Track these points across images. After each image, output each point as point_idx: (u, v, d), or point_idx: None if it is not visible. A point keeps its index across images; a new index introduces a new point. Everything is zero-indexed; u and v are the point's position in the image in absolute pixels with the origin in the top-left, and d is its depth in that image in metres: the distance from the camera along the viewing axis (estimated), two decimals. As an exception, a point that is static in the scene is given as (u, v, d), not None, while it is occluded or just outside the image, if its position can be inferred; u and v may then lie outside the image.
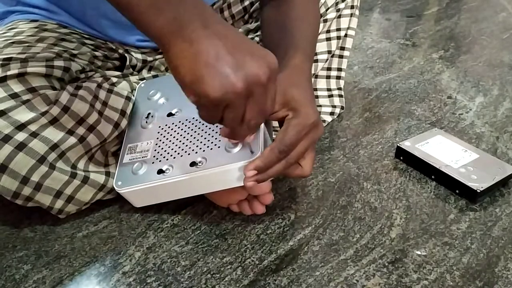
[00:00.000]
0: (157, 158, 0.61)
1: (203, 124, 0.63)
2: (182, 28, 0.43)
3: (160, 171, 0.59)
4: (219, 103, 0.43)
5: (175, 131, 0.64)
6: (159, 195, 0.62)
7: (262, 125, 0.57)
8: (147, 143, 0.63)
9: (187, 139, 0.62)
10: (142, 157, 0.62)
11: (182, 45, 0.43)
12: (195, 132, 0.62)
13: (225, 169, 0.56)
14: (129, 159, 0.63)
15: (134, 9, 0.43)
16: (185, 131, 0.63)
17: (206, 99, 0.43)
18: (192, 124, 0.64)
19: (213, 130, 0.61)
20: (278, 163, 0.54)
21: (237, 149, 0.57)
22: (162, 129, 0.64)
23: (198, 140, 0.61)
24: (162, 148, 0.62)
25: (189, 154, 0.60)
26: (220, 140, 0.59)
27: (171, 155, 0.61)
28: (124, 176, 0.62)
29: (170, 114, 0.66)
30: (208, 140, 0.60)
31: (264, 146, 0.56)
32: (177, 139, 0.62)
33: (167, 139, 0.63)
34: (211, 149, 0.59)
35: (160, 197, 0.63)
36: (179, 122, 0.65)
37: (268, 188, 0.60)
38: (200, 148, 0.60)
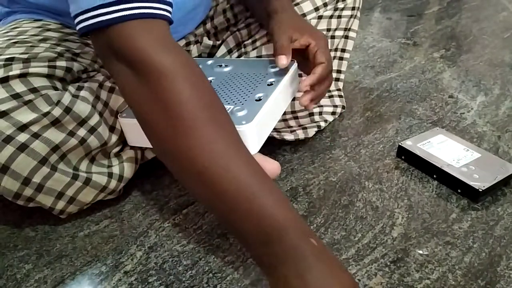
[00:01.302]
0: (237, 106, 0.61)
1: (238, 76, 0.69)
2: (283, 266, 0.44)
3: (258, 99, 0.62)
4: None
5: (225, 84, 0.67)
6: (272, 117, 0.63)
7: (295, 64, 0.68)
8: None
9: (242, 85, 0.66)
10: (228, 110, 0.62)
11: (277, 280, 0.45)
12: (238, 82, 0.67)
13: (293, 69, 0.66)
14: None
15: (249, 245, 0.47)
16: (230, 85, 0.67)
17: None
18: (234, 78, 0.68)
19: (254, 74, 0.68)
20: (327, 79, 0.66)
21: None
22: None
23: (248, 82, 0.66)
24: (233, 100, 0.63)
25: (254, 90, 0.64)
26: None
27: (244, 99, 0.62)
28: (239, 117, 0.60)
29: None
30: (256, 80, 0.66)
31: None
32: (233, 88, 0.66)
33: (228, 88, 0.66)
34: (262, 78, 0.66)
35: (273, 121, 0.64)
36: (222, 79, 0.68)
37: (278, 170, 0.61)
38: (256, 85, 0.65)
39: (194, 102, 0.47)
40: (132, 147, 0.69)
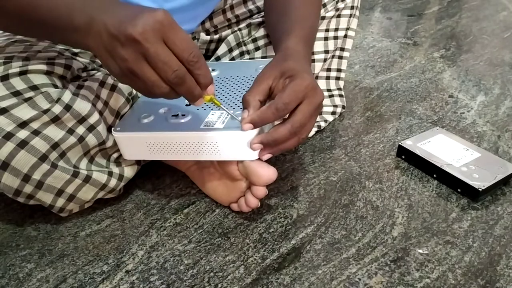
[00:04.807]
0: (236, 110, 0.59)
1: (227, 79, 0.67)
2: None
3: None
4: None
5: None
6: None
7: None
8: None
9: (234, 88, 0.65)
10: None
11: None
12: (229, 86, 0.66)
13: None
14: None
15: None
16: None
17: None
18: (223, 81, 0.67)
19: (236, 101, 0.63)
20: (273, 121, 0.56)
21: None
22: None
23: (239, 85, 0.65)
24: (228, 104, 0.62)
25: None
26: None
27: (238, 101, 0.61)
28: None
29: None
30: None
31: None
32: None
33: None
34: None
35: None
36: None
37: (273, 175, 0.59)
38: (247, 88, 0.60)
39: None
40: None
